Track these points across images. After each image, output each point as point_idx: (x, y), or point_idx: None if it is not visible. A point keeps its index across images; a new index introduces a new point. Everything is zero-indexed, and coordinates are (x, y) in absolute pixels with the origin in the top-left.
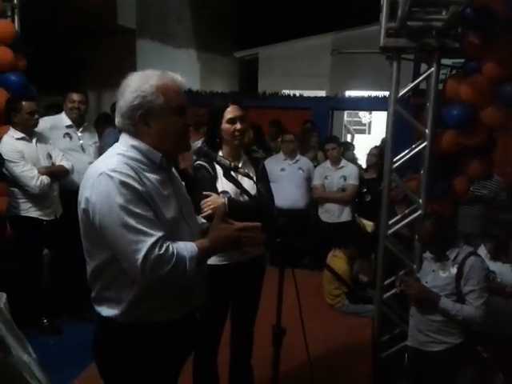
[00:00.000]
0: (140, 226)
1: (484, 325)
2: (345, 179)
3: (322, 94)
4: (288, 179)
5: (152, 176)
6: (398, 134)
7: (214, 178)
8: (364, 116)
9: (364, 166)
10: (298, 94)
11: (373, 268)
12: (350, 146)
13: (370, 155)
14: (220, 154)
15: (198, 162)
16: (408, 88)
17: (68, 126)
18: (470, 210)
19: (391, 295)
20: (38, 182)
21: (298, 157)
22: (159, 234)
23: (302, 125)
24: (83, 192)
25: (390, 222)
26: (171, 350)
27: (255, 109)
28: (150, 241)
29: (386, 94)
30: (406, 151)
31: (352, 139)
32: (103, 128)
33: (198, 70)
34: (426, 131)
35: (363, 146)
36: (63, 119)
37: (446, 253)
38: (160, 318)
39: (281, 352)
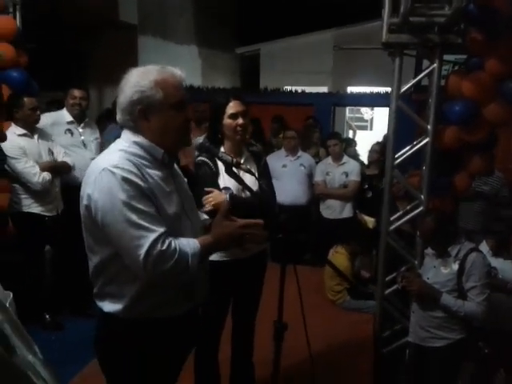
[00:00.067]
0: (142, 222)
1: (485, 321)
2: (346, 175)
3: (324, 90)
4: (290, 175)
5: (154, 172)
6: (400, 130)
7: (216, 174)
8: (366, 112)
9: (366, 162)
10: (299, 90)
11: (374, 264)
12: (351, 143)
13: (371, 151)
14: (222, 149)
15: (200, 157)
16: (410, 84)
17: (69, 122)
18: (471, 207)
19: (393, 291)
20: (40, 179)
21: (300, 153)
22: (161, 229)
23: (304, 121)
24: (85, 188)
25: (392, 218)
26: (173, 346)
27: (257, 105)
28: (152, 236)
29: (388, 90)
30: (408, 147)
31: (354, 135)
32: (105, 124)
33: (199, 65)
34: (428, 127)
35: (365, 143)
36: (64, 115)
37: (447, 249)
38: (162, 313)
39: (282, 347)
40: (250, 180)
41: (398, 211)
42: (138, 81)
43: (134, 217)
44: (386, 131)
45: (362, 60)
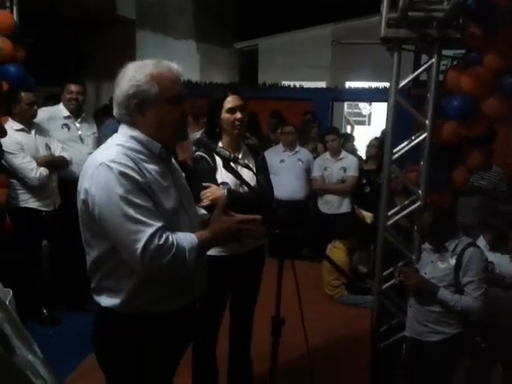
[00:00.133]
0: (139, 217)
1: (482, 316)
2: (344, 170)
3: (323, 85)
4: (287, 171)
5: (151, 167)
6: (398, 125)
7: (214, 169)
8: (364, 107)
9: (364, 157)
10: (298, 85)
11: (372, 259)
12: (349, 138)
13: (369, 146)
14: (220, 144)
15: (198, 152)
16: (408, 79)
17: (66, 117)
18: (469, 201)
19: (390, 286)
20: (37, 174)
21: (298, 148)
22: (159, 224)
23: (302, 116)
24: (82, 183)
25: (389, 214)
26: (171, 341)
27: (255, 100)
28: (150, 231)
29: (387, 85)
30: (406, 142)
31: (352, 130)
32: (103, 119)
33: (197, 61)
34: (427, 122)
35: (363, 138)
36: (61, 110)
37: (444, 244)
38: (160, 308)
39: (280, 342)
40: (247, 175)
41: (395, 206)
42: (133, 75)
43: (131, 211)
44: (384, 126)
45: (360, 55)
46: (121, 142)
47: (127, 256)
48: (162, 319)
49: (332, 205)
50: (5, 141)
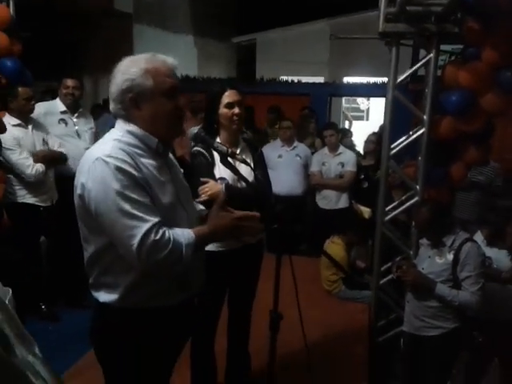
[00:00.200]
0: (136, 212)
1: (480, 310)
2: (342, 166)
3: (321, 80)
4: (285, 166)
5: (148, 161)
6: (396, 121)
7: (212, 164)
8: (362, 102)
9: (362, 152)
10: (296, 80)
11: (370, 254)
12: (347, 133)
13: (367, 142)
14: (218, 140)
15: (196, 148)
16: (407, 74)
17: (63, 112)
18: (466, 197)
19: (388, 281)
20: (33, 171)
21: (296, 143)
22: (155, 219)
23: (300, 111)
24: (79, 178)
25: (387, 209)
26: (169, 336)
27: (253, 95)
28: (146, 226)
29: (385, 80)
30: (404, 138)
31: (350, 126)
32: (100, 114)
33: (195, 55)
34: (424, 117)
35: (361, 133)
36: (58, 105)
37: (442, 239)
38: (156, 303)
39: (278, 337)
40: (245, 170)
41: (393, 201)
42: (127, 69)
43: (127, 206)
44: (382, 121)
45: (358, 50)
46: (117, 137)
47: (124, 251)
48: (159, 315)
49: (330, 200)
50: (2, 136)
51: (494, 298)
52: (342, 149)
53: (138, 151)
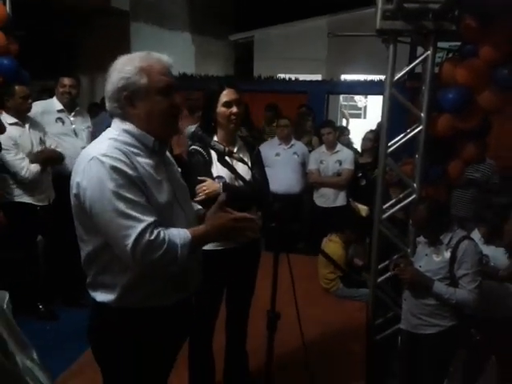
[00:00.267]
0: (131, 212)
1: (477, 308)
2: (340, 164)
3: (318, 77)
4: (283, 164)
5: (144, 160)
6: (394, 118)
7: (209, 162)
8: (360, 100)
9: (359, 150)
10: (293, 78)
11: (367, 252)
12: (345, 131)
13: (365, 139)
14: (215, 138)
15: (193, 146)
16: (404, 71)
17: (60, 111)
18: (463, 194)
19: (385, 279)
20: (27, 174)
21: (293, 141)
22: (150, 219)
23: (298, 109)
24: (75, 177)
25: (385, 207)
26: (167, 336)
27: (250, 92)
28: (140, 226)
29: (382, 77)
30: (402, 135)
31: (347, 124)
32: (97, 113)
33: (192, 53)
34: (422, 115)
35: (358, 131)
36: (55, 104)
37: (439, 237)
38: (151, 304)
39: (275, 336)
40: (242, 169)
41: (391, 199)
42: (123, 67)
43: (122, 206)
44: (379, 119)
45: (356, 47)
46: (113, 136)
47: (119, 251)
48: (157, 314)
49: (328, 198)
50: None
51: (491, 295)
52: (339, 147)
53: (135, 150)
